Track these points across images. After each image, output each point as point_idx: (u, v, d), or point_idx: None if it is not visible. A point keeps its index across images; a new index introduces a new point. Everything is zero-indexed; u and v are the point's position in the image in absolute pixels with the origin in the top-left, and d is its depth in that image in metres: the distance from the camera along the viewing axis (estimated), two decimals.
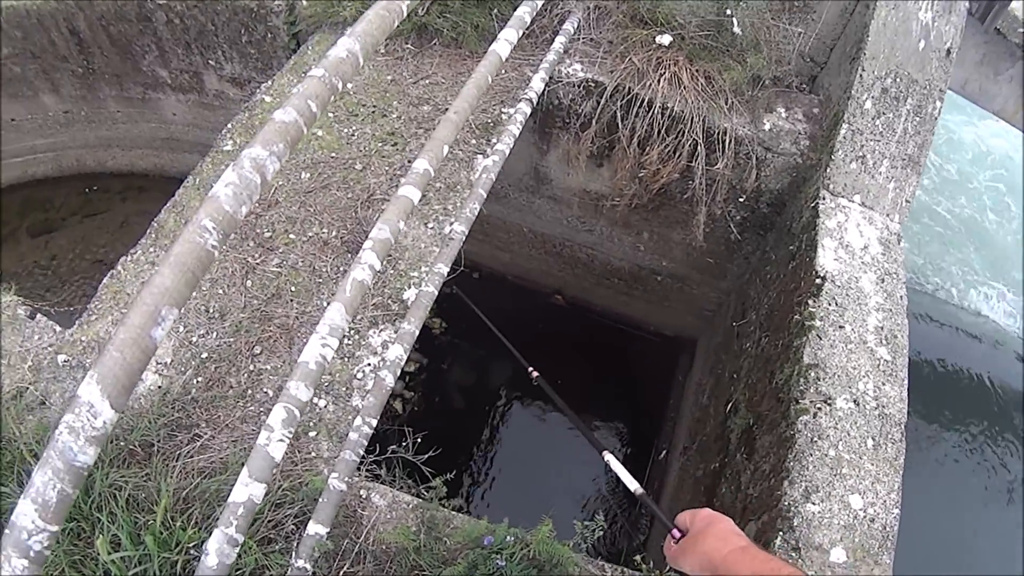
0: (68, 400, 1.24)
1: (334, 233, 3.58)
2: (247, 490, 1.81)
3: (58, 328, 3.19)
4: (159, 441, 2.78)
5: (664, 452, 6.01)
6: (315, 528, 2.39)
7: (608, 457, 1.90)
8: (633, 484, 1.75)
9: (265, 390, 3.04)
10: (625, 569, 2.92)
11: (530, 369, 3.13)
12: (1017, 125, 4.92)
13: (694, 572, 1.38)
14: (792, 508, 3.06)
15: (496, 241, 5.89)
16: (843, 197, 3.95)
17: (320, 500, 2.46)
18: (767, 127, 4.27)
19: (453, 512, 2.89)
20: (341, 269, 3.46)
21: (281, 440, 1.91)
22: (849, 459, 3.18)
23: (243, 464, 2.67)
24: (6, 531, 1.17)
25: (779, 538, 2.99)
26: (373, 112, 4.23)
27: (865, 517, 3.04)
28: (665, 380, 6.67)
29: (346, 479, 2.53)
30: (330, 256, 3.49)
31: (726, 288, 5.54)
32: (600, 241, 5.59)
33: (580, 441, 6.44)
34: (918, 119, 3.92)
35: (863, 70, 3.95)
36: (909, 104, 3.90)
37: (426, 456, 3.03)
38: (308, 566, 2.34)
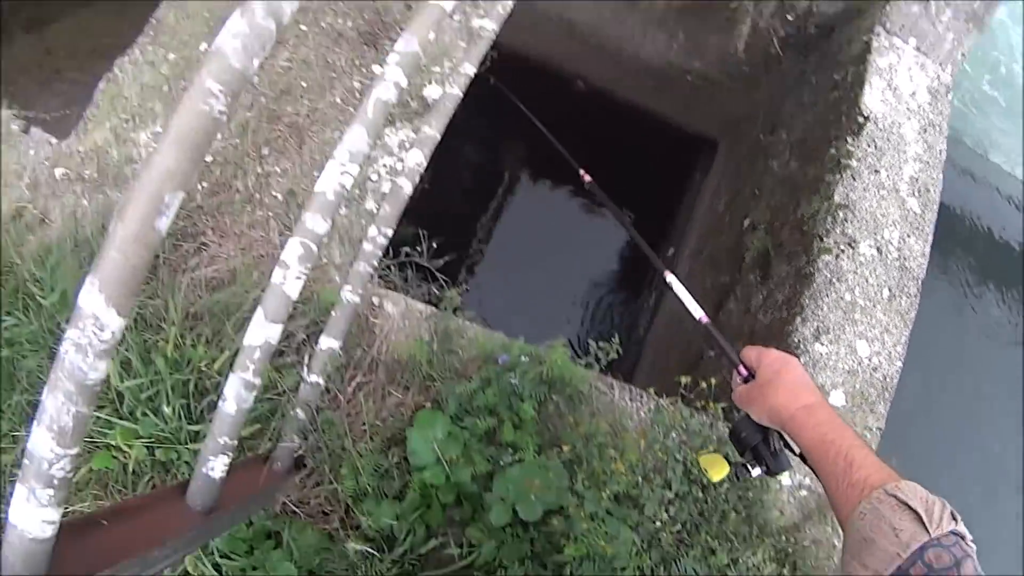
0: (72, 316, 0.99)
1: (350, 23, 3.18)
2: (263, 332, 1.64)
3: (54, 140, 2.89)
4: (164, 252, 2.59)
5: (672, 251, 5.86)
6: (328, 343, 2.26)
7: (670, 278, 1.69)
8: (698, 312, 1.58)
9: (274, 194, 2.79)
10: (631, 386, 2.84)
11: (581, 172, 2.84)
12: None
13: (761, 420, 1.32)
14: (801, 345, 3.07)
15: (519, 21, 5.39)
16: (898, 37, 3.63)
17: (333, 313, 2.33)
18: None
19: (467, 323, 2.72)
20: (357, 63, 3.10)
21: (298, 278, 1.69)
22: (863, 305, 3.12)
23: (251, 274, 2.48)
24: (25, 462, 1.06)
25: None
26: None
27: (869, 365, 3.03)
28: (681, 178, 6.50)
29: (360, 291, 2.34)
30: (345, 49, 3.12)
31: (757, 99, 5.28)
32: (632, 35, 5.22)
33: (587, 223, 6.27)
34: None
35: None
36: None
37: (442, 262, 2.80)
38: (321, 380, 2.24)
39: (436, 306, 2.80)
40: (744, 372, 1.39)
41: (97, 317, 1.05)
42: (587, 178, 2.90)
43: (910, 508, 0.96)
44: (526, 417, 2.47)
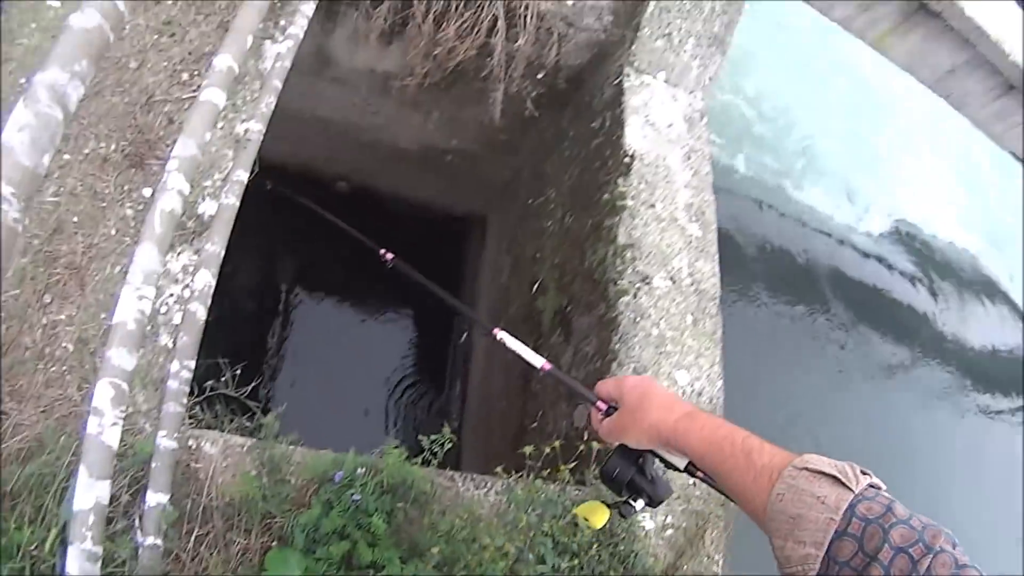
0: None
1: (113, 147, 2.99)
2: (92, 493, 1.52)
3: None
4: None
5: (464, 335, 6.00)
6: (156, 498, 2.10)
7: (501, 335, 1.75)
8: (539, 361, 1.66)
9: (64, 345, 2.55)
10: (473, 476, 2.85)
11: (382, 251, 2.85)
12: (818, 8, 5.10)
13: (640, 445, 1.36)
14: None
15: (275, 130, 5.33)
16: (647, 74, 3.93)
17: (153, 464, 2.15)
18: (570, 2, 4.08)
19: (292, 447, 2.64)
20: (126, 188, 2.92)
21: (115, 424, 1.58)
22: (672, 336, 3.29)
23: (59, 439, 2.27)
24: None
25: None
26: None
27: (693, 391, 3.19)
28: (457, 261, 6.61)
29: (175, 435, 2.21)
30: (112, 174, 2.93)
31: (518, 165, 5.49)
32: (387, 123, 5.27)
33: (371, 331, 6.34)
34: None
35: None
36: None
37: (248, 389, 2.71)
38: (159, 541, 2.06)
39: (255, 436, 2.70)
40: (604, 406, 1.43)
41: None
42: (388, 256, 2.94)
43: (825, 475, 1.01)
44: (379, 532, 2.37)
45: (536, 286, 4.36)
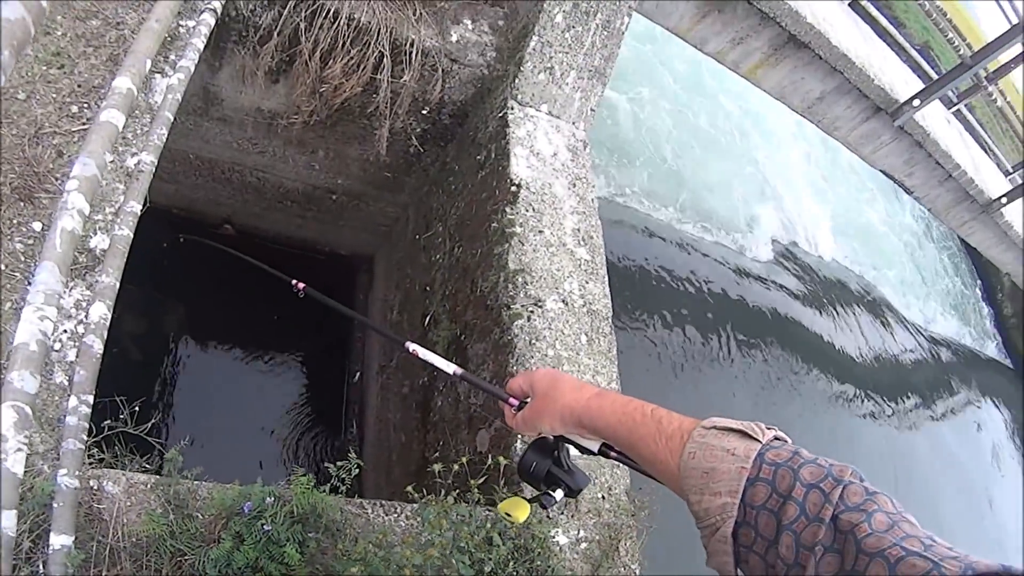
0: None
1: (1, 179, 2.99)
2: None
3: None
4: None
5: (358, 374, 6.06)
6: (59, 540, 2.09)
7: (414, 347, 1.89)
8: (451, 368, 1.78)
9: None
10: (383, 503, 2.95)
11: (294, 282, 2.95)
12: (692, 42, 5.46)
13: (555, 430, 1.43)
14: None
15: (160, 171, 5.33)
16: (531, 107, 4.15)
17: (55, 505, 2.14)
18: (454, 39, 4.31)
19: (197, 482, 2.68)
20: (16, 222, 2.91)
21: (19, 449, 1.62)
22: (568, 356, 3.46)
23: None
24: None
25: (519, 441, 3.18)
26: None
27: None
28: (345, 301, 6.66)
29: (77, 473, 2.24)
30: (1, 208, 2.92)
31: (403, 202, 5.64)
32: (273, 163, 5.34)
33: (255, 369, 6.37)
34: (606, 33, 4.19)
35: None
36: (599, 18, 4.14)
37: (148, 425, 2.74)
38: None
39: (159, 473, 2.72)
40: (516, 402, 1.52)
41: None
42: (300, 286, 3.04)
43: (733, 430, 1.10)
44: (293, 562, 2.41)
45: (428, 319, 4.49)
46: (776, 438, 1.11)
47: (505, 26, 4.46)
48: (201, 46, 3.44)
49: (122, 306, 5.40)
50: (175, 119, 4.53)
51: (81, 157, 1.94)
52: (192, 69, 3.37)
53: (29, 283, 2.59)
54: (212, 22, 3.56)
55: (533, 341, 3.43)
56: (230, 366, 6.29)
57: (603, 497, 3.12)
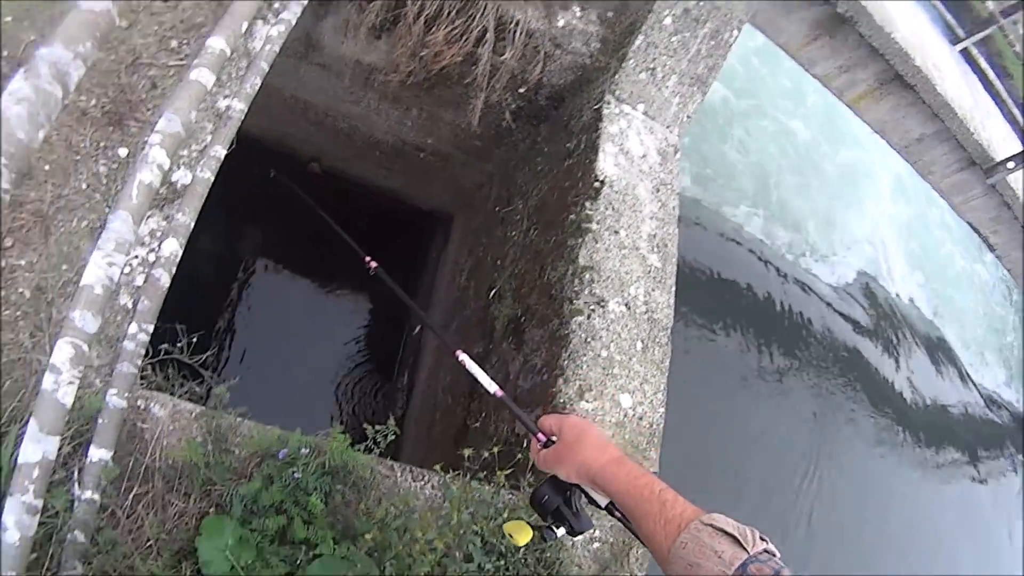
0: None
1: (94, 102, 3.09)
2: (39, 447, 1.60)
3: None
4: None
5: (418, 328, 6.14)
6: (99, 454, 2.19)
7: (462, 357, 1.94)
8: (492, 387, 1.86)
9: (20, 290, 2.64)
10: (412, 468, 2.99)
11: (367, 259, 3.01)
12: (800, 61, 5.42)
13: (570, 479, 1.52)
14: (568, 405, 3.31)
15: (254, 104, 5.46)
16: (627, 104, 4.13)
17: (100, 421, 2.24)
18: (560, 24, 4.29)
19: (240, 419, 2.76)
20: (102, 144, 3.02)
21: (71, 383, 1.68)
22: (620, 360, 3.47)
23: (20, 392, 2.37)
24: None
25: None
26: None
27: (635, 415, 3.36)
28: (419, 255, 6.79)
29: (125, 394, 2.33)
30: (89, 129, 3.02)
31: (489, 171, 5.68)
32: (366, 114, 5.44)
33: (330, 309, 6.48)
34: (713, 43, 4.17)
35: None
36: (708, 27, 4.12)
37: (203, 357, 2.83)
38: (96, 496, 2.16)
39: (205, 404, 2.82)
40: (543, 438, 1.61)
41: None
42: (372, 264, 3.08)
43: (727, 533, 1.17)
44: (315, 511, 2.51)
45: (493, 292, 4.54)
46: (766, 551, 1.17)
47: (614, 18, 4.42)
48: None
49: (201, 224, 5.59)
50: (276, 59, 4.65)
51: (167, 112, 1.99)
52: (293, 22, 3.43)
53: (108, 206, 2.68)
54: None
55: (589, 339, 3.45)
56: (296, 299, 6.48)
57: None
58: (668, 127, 4.24)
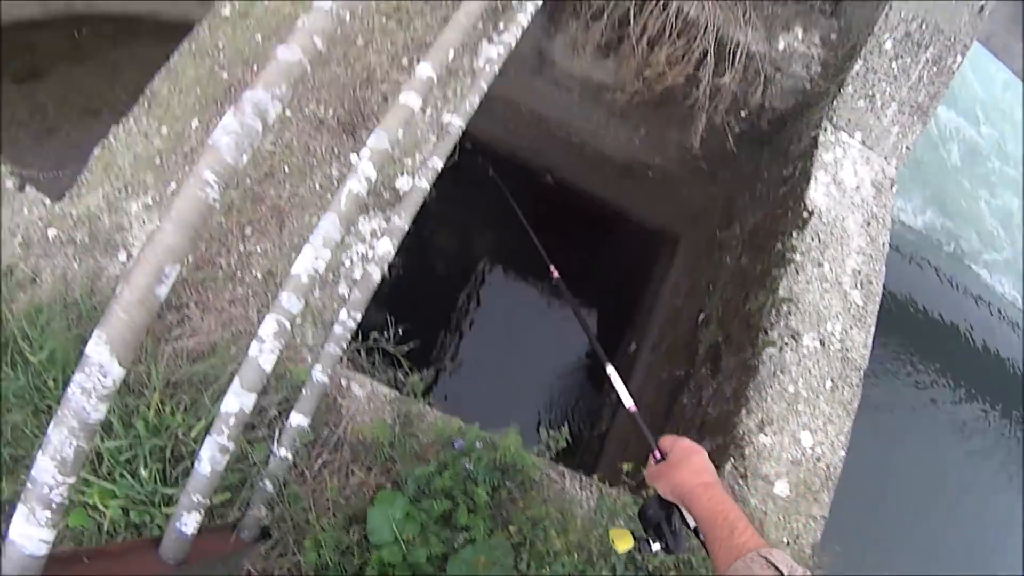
0: (80, 361, 1.31)
1: (331, 112, 3.57)
2: (238, 400, 1.93)
3: (48, 201, 3.21)
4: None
5: (634, 346, 6.26)
6: (298, 419, 2.55)
7: (610, 370, 2.07)
8: (629, 402, 1.93)
9: (254, 272, 3.13)
10: (582, 476, 3.15)
11: (551, 268, 3.22)
12: None
13: (665, 495, 1.63)
14: (746, 437, 3.32)
15: (492, 115, 5.90)
16: (844, 132, 4.04)
17: (303, 391, 2.60)
18: (781, 46, 4.28)
19: (428, 407, 3.07)
20: (336, 151, 3.48)
21: (272, 352, 2.00)
22: (806, 396, 3.42)
23: (231, 348, 2.82)
24: (28, 486, 1.31)
25: (729, 463, 3.25)
26: None
27: (812, 455, 3.31)
28: (643, 272, 6.90)
29: (329, 371, 2.66)
30: (326, 136, 3.50)
31: (713, 193, 5.69)
32: (596, 130, 5.66)
33: (551, 314, 6.74)
34: (935, 69, 3.99)
35: (891, 8, 3.98)
36: (930, 53, 3.96)
37: (407, 348, 3.16)
38: (289, 455, 2.52)
39: (400, 390, 3.14)
40: (659, 455, 1.70)
41: (102, 365, 1.31)
42: (555, 274, 3.28)
43: (775, 567, 1.27)
44: (480, 501, 2.72)
45: (702, 316, 4.58)
46: None
47: (836, 41, 4.34)
48: (525, 23, 3.72)
49: (438, 222, 6.07)
50: (513, 73, 4.98)
51: (377, 130, 2.29)
52: (513, 44, 3.66)
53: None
54: (539, 2, 3.83)
55: (777, 372, 3.44)
56: (519, 300, 6.79)
57: (787, 543, 3.10)
58: (885, 158, 4.08)
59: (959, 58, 3.96)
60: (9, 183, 3.21)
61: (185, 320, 2.91)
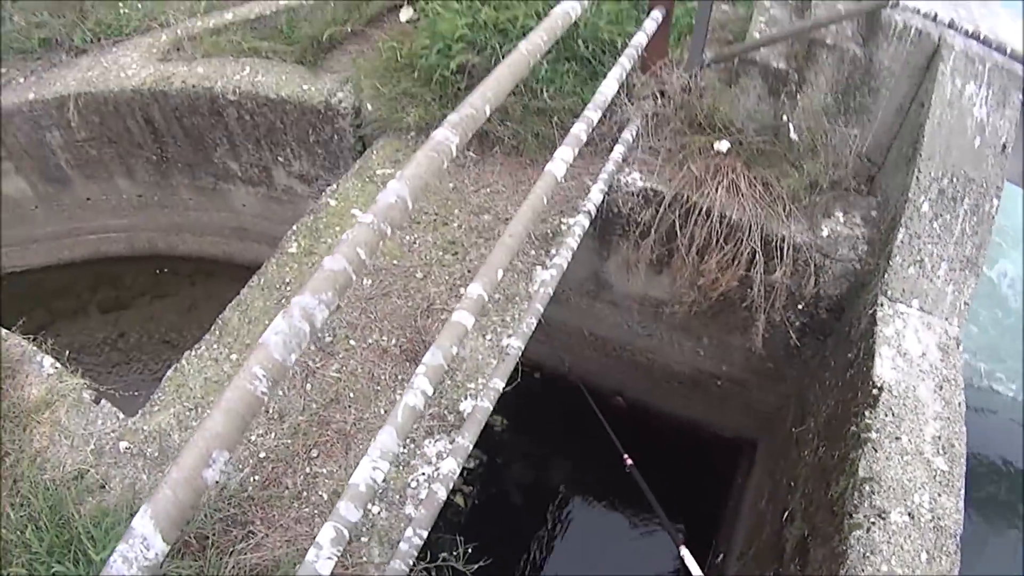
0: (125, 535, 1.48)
1: (393, 341, 3.89)
2: None
3: (121, 415, 3.51)
4: (214, 535, 3.02)
5: (721, 556, 6.05)
6: None
7: (684, 552, 2.09)
8: None
9: (320, 493, 3.33)
10: None
11: (625, 456, 3.29)
12: None
13: None
14: None
15: (557, 343, 6.13)
16: (901, 303, 4.07)
17: None
18: (825, 233, 4.45)
19: None
20: (399, 377, 3.75)
21: (329, 558, 2.10)
22: (902, 574, 3.25)
23: (294, 565, 2.97)
24: None
25: None
26: (435, 220, 4.58)
27: None
28: (724, 482, 6.73)
29: None
30: (389, 364, 3.79)
31: (785, 392, 5.65)
32: (660, 346, 5.78)
33: (637, 545, 6.57)
34: (975, 218, 4.07)
35: (919, 171, 4.14)
36: (966, 204, 4.06)
37: (475, 567, 3.24)
38: None
39: None
40: None
41: (145, 538, 1.37)
42: (628, 461, 3.35)
43: None
44: None
45: (786, 514, 4.44)
46: None
47: (878, 216, 4.49)
48: (575, 245, 4.02)
49: (515, 454, 6.22)
50: (572, 300, 5.29)
51: (432, 348, 2.57)
52: (565, 266, 3.92)
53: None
54: (586, 223, 4.15)
55: (867, 554, 3.29)
56: (602, 523, 6.65)
57: None
58: (947, 319, 4.06)
59: (995, 201, 4.04)
60: (86, 395, 3.55)
61: (250, 536, 3.07)
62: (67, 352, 3.88)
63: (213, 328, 3.92)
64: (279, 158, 6.33)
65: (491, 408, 3.37)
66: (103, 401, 3.60)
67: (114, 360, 6.78)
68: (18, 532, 2.93)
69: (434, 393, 3.57)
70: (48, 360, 3.71)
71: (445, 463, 3.15)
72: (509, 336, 3.93)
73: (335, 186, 4.82)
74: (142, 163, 6.58)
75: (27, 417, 3.47)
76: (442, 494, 3.08)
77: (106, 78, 5.95)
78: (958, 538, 3.35)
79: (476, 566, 3.25)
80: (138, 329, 7.08)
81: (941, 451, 3.60)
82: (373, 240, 1.90)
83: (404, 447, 3.56)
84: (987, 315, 9.36)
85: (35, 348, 3.74)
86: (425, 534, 2.97)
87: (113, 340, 6.94)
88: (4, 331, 3.78)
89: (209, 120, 6.10)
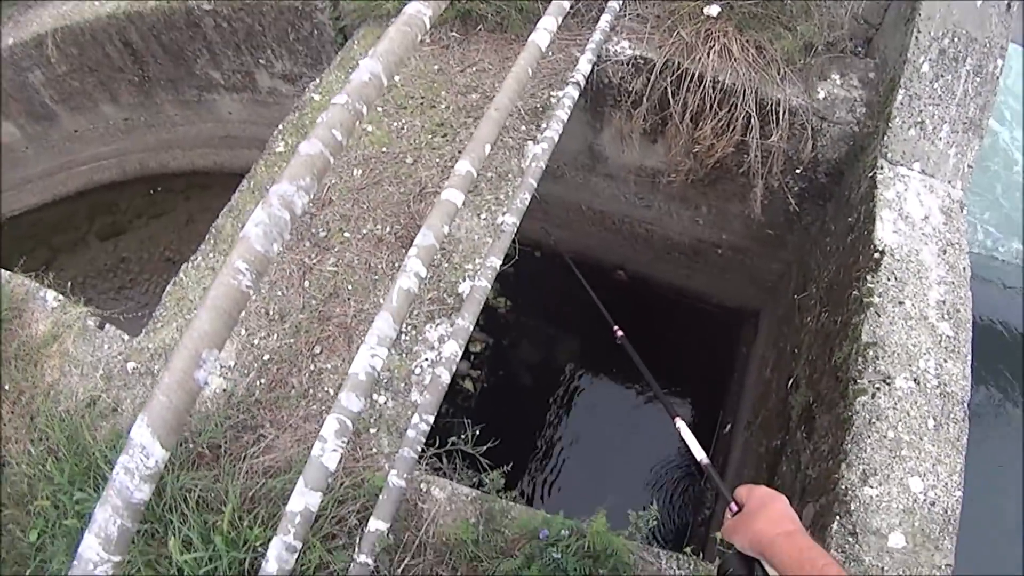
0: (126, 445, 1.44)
1: (388, 229, 3.80)
2: (303, 499, 2.00)
3: (126, 337, 3.51)
4: (226, 443, 3.05)
5: (729, 426, 6.16)
6: (376, 524, 2.59)
7: (679, 424, 2.02)
8: (700, 454, 1.84)
9: (326, 389, 3.31)
10: (678, 555, 3.10)
11: (615, 328, 3.27)
12: None
13: (744, 549, 1.50)
14: (849, 492, 3.15)
15: (555, 219, 6.08)
16: (902, 165, 3.99)
17: (381, 497, 2.63)
18: (821, 96, 4.32)
19: (511, 503, 3.11)
20: (396, 265, 3.68)
21: (335, 450, 2.08)
22: (909, 440, 3.26)
23: (305, 463, 2.97)
24: (74, 563, 1.36)
25: (836, 522, 3.08)
26: (421, 103, 4.43)
27: (925, 500, 3.12)
28: (729, 353, 6.80)
29: (405, 476, 2.71)
30: (385, 252, 3.72)
31: (786, 259, 5.63)
32: (659, 216, 5.72)
33: (643, 414, 6.67)
34: (978, 79, 3.94)
35: (918, 31, 3.98)
36: (968, 64, 3.92)
37: (484, 448, 3.23)
38: (370, 561, 2.57)
39: (481, 488, 3.20)
40: (735, 508, 1.59)
41: (144, 447, 1.36)
42: (619, 333, 3.32)
43: None
44: None
45: (791, 382, 4.47)
46: None
47: (876, 78, 4.34)
48: (565, 117, 3.87)
49: (520, 334, 6.24)
50: (567, 175, 5.17)
51: (423, 229, 2.46)
52: (556, 139, 3.78)
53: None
54: (575, 95, 3.99)
55: (873, 420, 3.31)
56: (609, 396, 6.74)
57: None
58: (949, 182, 3.98)
59: (999, 62, 3.90)
60: (90, 321, 3.53)
61: (261, 439, 3.07)
62: (69, 284, 3.90)
63: (208, 237, 3.87)
64: (260, 61, 6.27)
65: (489, 287, 3.31)
66: (107, 326, 3.61)
67: (118, 284, 6.92)
68: (40, 466, 2.99)
69: (431, 276, 3.53)
70: (51, 294, 3.73)
71: (447, 346, 3.10)
72: (504, 213, 3.83)
73: (318, 80, 4.66)
74: (125, 86, 6.56)
75: (37, 353, 3.49)
76: (445, 377, 3.04)
77: (80, 9, 5.91)
78: (966, 405, 3.36)
79: (484, 447, 3.24)
80: (138, 251, 7.20)
81: (946, 316, 3.59)
82: (349, 120, 1.80)
83: (406, 334, 3.53)
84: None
85: (37, 284, 3.75)
86: (431, 419, 2.95)
87: (115, 265, 7.07)
88: (6, 273, 3.78)
89: (187, 33, 6.04)
